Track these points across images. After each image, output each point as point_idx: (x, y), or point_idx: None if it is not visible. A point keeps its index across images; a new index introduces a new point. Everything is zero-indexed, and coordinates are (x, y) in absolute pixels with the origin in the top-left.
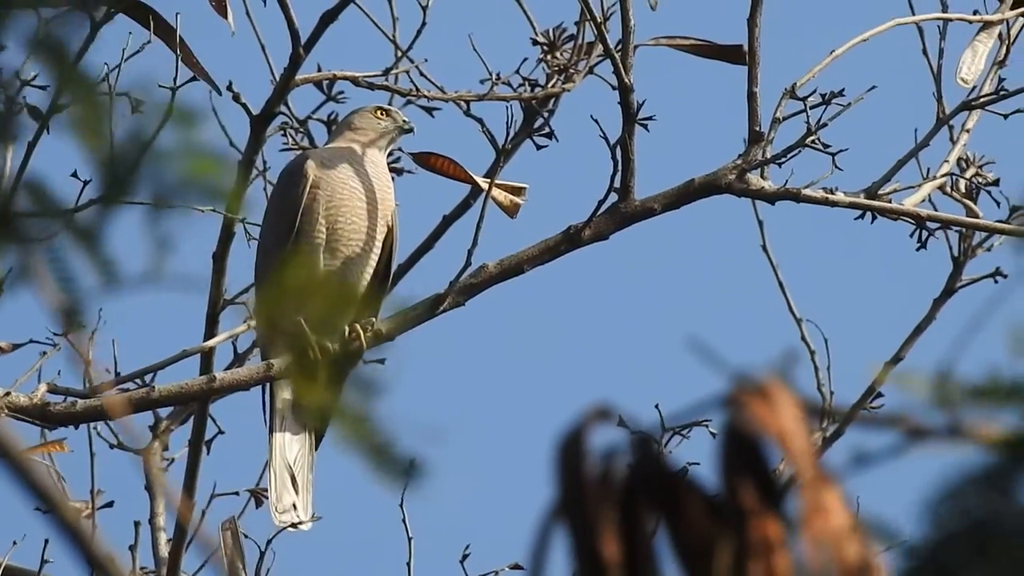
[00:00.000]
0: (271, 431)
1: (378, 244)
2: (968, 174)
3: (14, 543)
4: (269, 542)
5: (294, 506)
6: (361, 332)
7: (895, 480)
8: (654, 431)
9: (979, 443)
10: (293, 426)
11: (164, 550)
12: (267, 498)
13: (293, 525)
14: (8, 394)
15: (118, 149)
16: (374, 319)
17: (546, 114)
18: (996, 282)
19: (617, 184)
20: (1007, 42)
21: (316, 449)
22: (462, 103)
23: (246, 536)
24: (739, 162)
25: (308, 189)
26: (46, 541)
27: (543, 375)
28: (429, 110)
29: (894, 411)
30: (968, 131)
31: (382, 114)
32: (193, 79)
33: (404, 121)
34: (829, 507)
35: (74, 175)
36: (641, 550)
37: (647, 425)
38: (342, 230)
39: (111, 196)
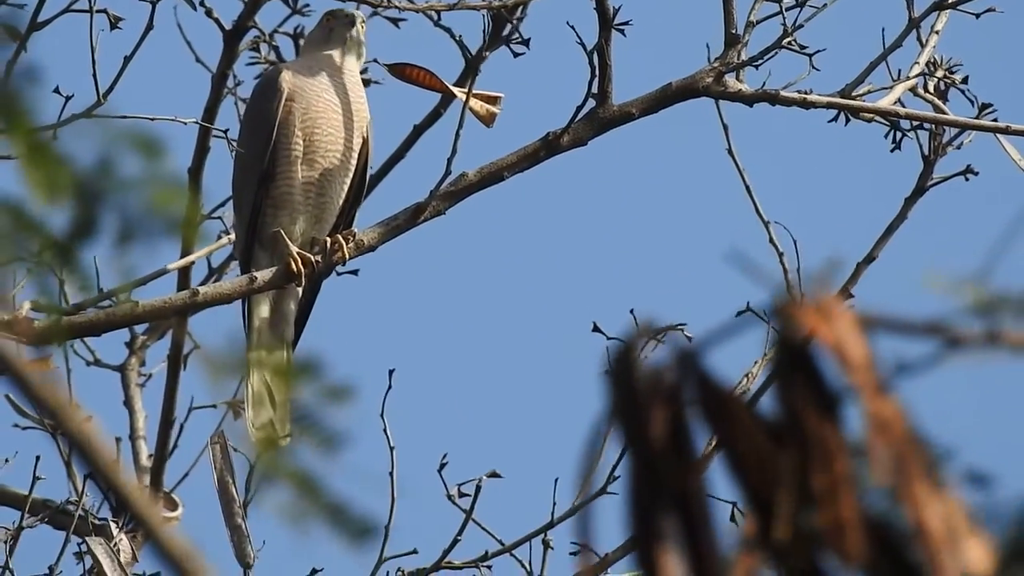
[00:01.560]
0: (248, 347)
1: (355, 155)
2: (938, 74)
3: (6, 460)
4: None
5: (271, 423)
6: (343, 243)
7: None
8: (699, 348)
9: (1018, 351)
10: (271, 342)
11: (146, 465)
12: (244, 410)
13: (270, 440)
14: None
15: (83, 183)
16: (356, 230)
17: (515, 22)
18: (967, 179)
19: (595, 90)
20: None
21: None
22: (432, 13)
23: (235, 449)
24: (716, 65)
25: (283, 102)
26: (37, 458)
27: (524, 282)
28: (395, 21)
29: (933, 318)
30: (938, 33)
31: (329, 19)
32: None
33: (347, 15)
34: (890, 419)
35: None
36: (691, 453)
37: (691, 344)
38: (319, 142)
39: (78, 234)
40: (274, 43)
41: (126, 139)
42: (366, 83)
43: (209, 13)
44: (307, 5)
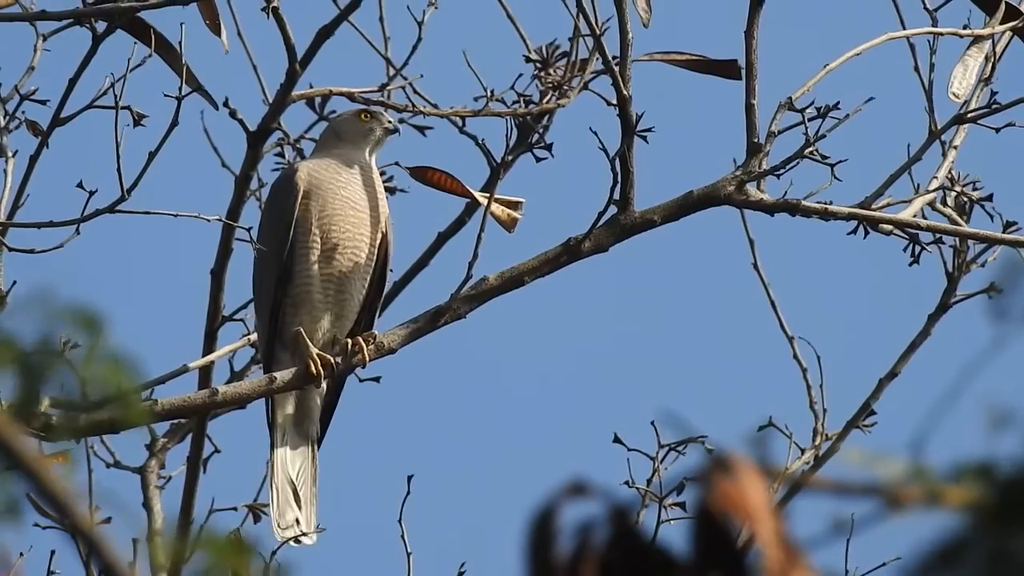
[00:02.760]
0: (272, 446)
1: (374, 252)
2: (956, 190)
3: (21, 555)
4: (273, 553)
5: (296, 521)
6: (364, 345)
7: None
8: (630, 503)
9: (955, 509)
10: (295, 440)
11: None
12: (266, 514)
13: (296, 539)
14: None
15: (29, 360)
16: (376, 332)
17: (541, 130)
18: (990, 297)
19: (616, 196)
20: (992, 59)
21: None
22: (457, 119)
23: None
24: (738, 173)
25: (299, 200)
26: (52, 552)
27: (544, 386)
28: (421, 129)
29: (871, 481)
30: (956, 147)
31: (366, 117)
32: (196, 89)
33: (389, 122)
34: None
35: (79, 185)
36: None
37: (622, 497)
38: (336, 239)
39: (23, 405)
40: (298, 146)
41: (68, 316)
42: (392, 190)
43: (233, 114)
44: (333, 111)
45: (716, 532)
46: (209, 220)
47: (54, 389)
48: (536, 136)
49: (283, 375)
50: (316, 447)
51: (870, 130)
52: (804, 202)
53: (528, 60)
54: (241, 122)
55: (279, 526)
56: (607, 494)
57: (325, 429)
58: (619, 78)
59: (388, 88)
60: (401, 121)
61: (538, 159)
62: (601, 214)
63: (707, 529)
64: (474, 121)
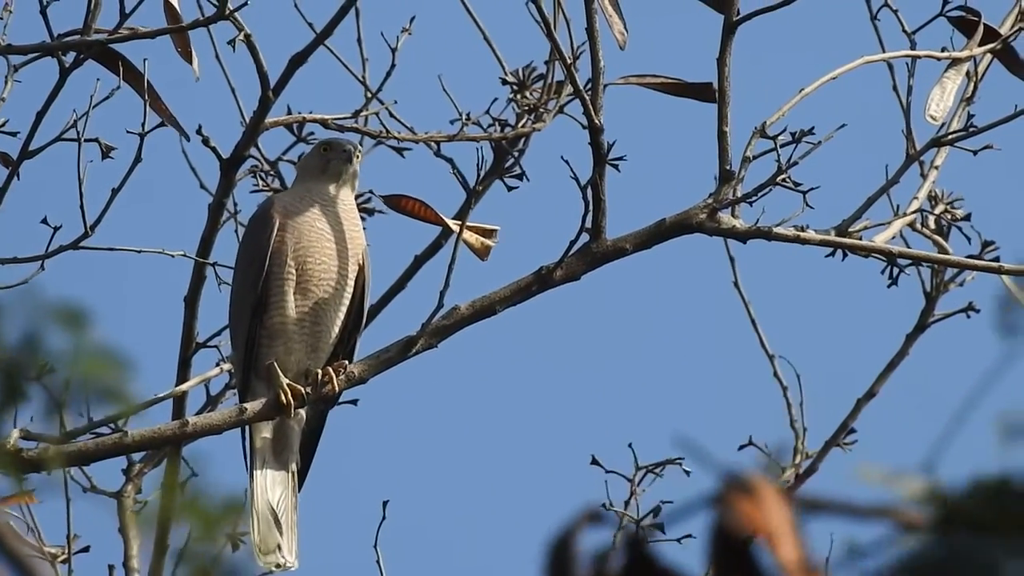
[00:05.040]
0: (251, 473)
1: (350, 284)
2: (937, 210)
3: None
4: None
5: (279, 547)
6: (334, 375)
7: None
8: (644, 531)
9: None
10: (274, 468)
11: None
12: (244, 542)
13: (278, 565)
14: None
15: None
16: (347, 362)
17: (516, 154)
18: (968, 317)
19: (588, 224)
20: (975, 79)
21: (299, 490)
22: (432, 144)
23: None
24: (710, 201)
25: (275, 233)
26: None
27: (516, 415)
28: (399, 150)
29: (886, 503)
30: (937, 168)
31: (324, 150)
32: (161, 124)
33: (343, 149)
34: None
35: (44, 221)
36: None
37: (636, 524)
38: (312, 271)
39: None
40: (272, 172)
41: (53, 314)
42: (369, 212)
43: (206, 142)
44: (311, 133)
45: (734, 554)
46: (173, 255)
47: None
48: (511, 161)
49: (253, 406)
50: (296, 476)
51: (849, 153)
52: (776, 229)
53: (504, 82)
54: (214, 149)
55: (261, 552)
56: (622, 521)
57: (310, 461)
58: (590, 106)
59: (363, 113)
60: (378, 144)
61: (510, 188)
62: (573, 242)
63: (725, 551)
64: (450, 145)
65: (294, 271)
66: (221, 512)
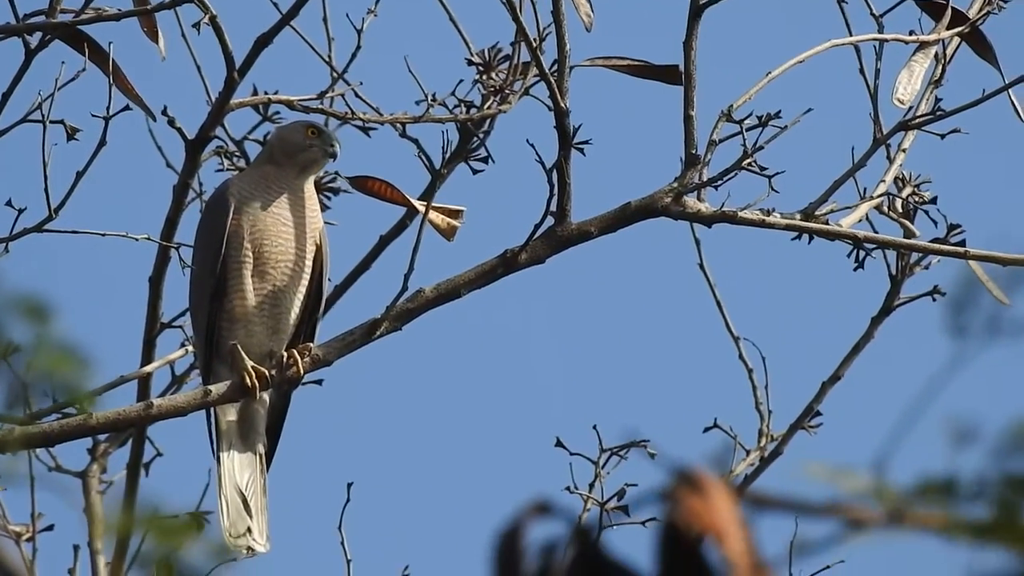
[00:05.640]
0: (218, 456)
1: (308, 265)
2: (904, 193)
3: None
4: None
5: (248, 530)
6: (298, 357)
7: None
8: (592, 523)
9: (920, 531)
10: (241, 450)
11: (103, 573)
12: (208, 521)
13: (249, 550)
14: None
15: None
16: (311, 344)
17: (482, 135)
18: (934, 300)
19: (553, 208)
20: (943, 62)
21: (268, 470)
22: (398, 125)
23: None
24: (675, 185)
25: (231, 217)
26: None
27: (481, 398)
28: (365, 130)
29: (835, 500)
30: (904, 151)
31: (312, 133)
32: (126, 108)
33: (331, 147)
34: None
35: (8, 204)
36: None
37: (585, 517)
38: (269, 254)
39: None
40: (237, 153)
41: (16, 305)
42: (334, 192)
43: (172, 123)
44: (277, 112)
45: (682, 548)
46: (137, 239)
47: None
48: (476, 142)
49: (218, 388)
50: (263, 458)
51: (816, 136)
52: (742, 213)
53: (470, 63)
54: (179, 130)
55: (231, 535)
56: (571, 513)
57: (276, 441)
58: (555, 89)
59: (329, 94)
60: (343, 124)
61: (475, 171)
62: (538, 226)
63: (673, 545)
64: (416, 126)
65: (251, 254)
66: (181, 529)
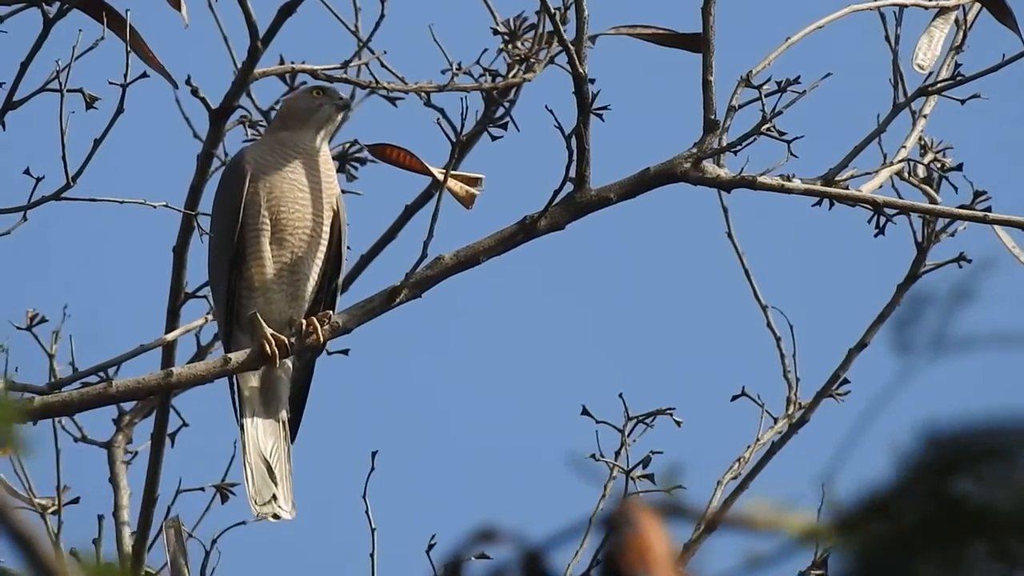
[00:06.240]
0: (242, 424)
1: (326, 231)
2: (927, 159)
3: None
4: (214, 541)
5: (274, 497)
6: (318, 325)
7: None
8: (538, 547)
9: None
10: (265, 418)
11: (128, 544)
12: (234, 494)
13: (276, 516)
14: None
15: None
16: (331, 312)
17: (507, 105)
18: (960, 267)
19: (572, 174)
20: (963, 27)
21: (292, 441)
22: (423, 94)
23: (190, 535)
24: (694, 151)
25: (247, 185)
26: None
27: (506, 366)
28: (391, 100)
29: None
30: (925, 117)
31: (318, 93)
32: (144, 75)
33: (340, 98)
34: None
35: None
36: None
37: (532, 541)
38: (286, 221)
39: None
40: (262, 122)
41: None
42: (360, 161)
43: (195, 92)
44: (303, 83)
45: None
46: (155, 206)
47: None
48: (501, 111)
49: (238, 356)
50: (287, 425)
51: (837, 102)
52: (760, 178)
53: (495, 32)
54: (203, 100)
55: (256, 503)
56: (518, 538)
57: (301, 411)
58: (574, 56)
59: (354, 64)
60: (371, 93)
61: (494, 137)
62: (557, 192)
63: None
64: (441, 96)
65: (268, 222)
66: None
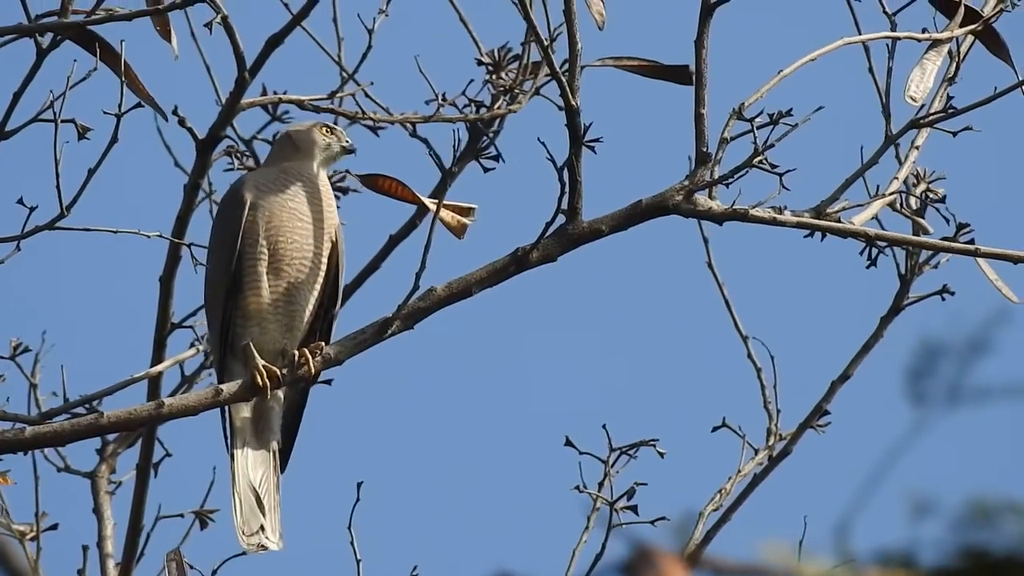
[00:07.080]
0: (232, 453)
1: (323, 262)
2: (919, 190)
3: None
4: (215, 572)
5: (262, 528)
6: (310, 357)
7: None
8: None
9: None
10: (255, 446)
11: (112, 574)
12: (212, 520)
13: (263, 547)
14: None
15: None
16: (323, 343)
17: (492, 135)
18: (943, 299)
19: (565, 206)
20: (956, 60)
21: (283, 470)
22: (408, 124)
23: (191, 567)
24: (686, 183)
25: (246, 212)
26: None
27: (492, 397)
28: (375, 129)
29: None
30: (917, 148)
31: (327, 132)
32: (138, 105)
33: (347, 142)
34: None
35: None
36: None
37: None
38: (284, 251)
39: None
40: (247, 152)
41: None
42: (344, 191)
43: (182, 122)
44: (286, 112)
45: None
46: (148, 236)
47: None
48: (486, 142)
49: (229, 387)
50: (277, 455)
51: (827, 135)
52: (752, 211)
53: (480, 63)
54: (190, 130)
55: (244, 533)
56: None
57: (292, 440)
58: (566, 88)
59: (339, 94)
60: (353, 123)
61: (486, 170)
62: (549, 224)
63: None
64: (426, 126)
65: (266, 251)
66: None
